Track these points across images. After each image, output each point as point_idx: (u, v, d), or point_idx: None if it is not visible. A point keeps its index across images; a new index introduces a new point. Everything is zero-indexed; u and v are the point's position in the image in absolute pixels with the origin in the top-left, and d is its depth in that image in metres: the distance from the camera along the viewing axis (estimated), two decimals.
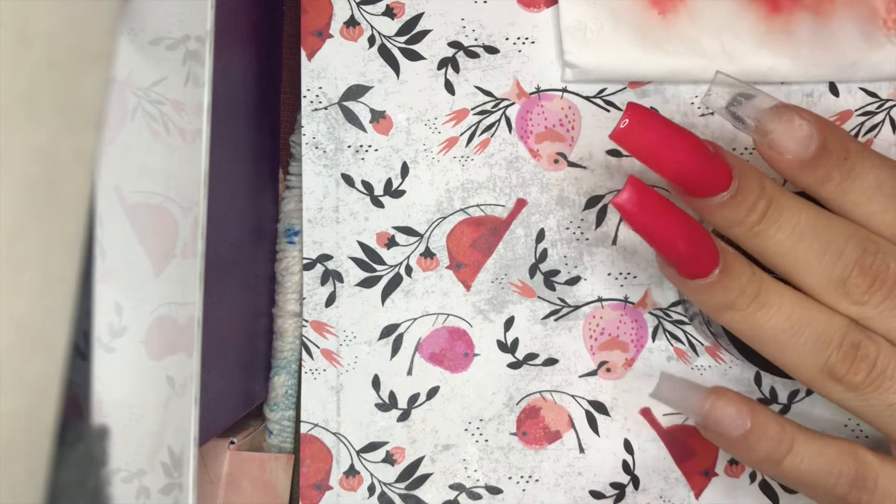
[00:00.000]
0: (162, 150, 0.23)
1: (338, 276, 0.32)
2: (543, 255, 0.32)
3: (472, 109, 0.32)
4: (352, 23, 0.32)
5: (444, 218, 0.32)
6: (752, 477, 0.32)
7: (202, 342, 0.24)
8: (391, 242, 0.32)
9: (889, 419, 0.26)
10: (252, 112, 0.32)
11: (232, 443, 0.31)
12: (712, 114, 0.31)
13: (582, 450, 0.32)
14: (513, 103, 0.32)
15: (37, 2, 0.16)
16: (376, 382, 0.32)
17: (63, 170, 0.17)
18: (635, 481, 0.32)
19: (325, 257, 0.32)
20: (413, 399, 0.32)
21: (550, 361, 0.32)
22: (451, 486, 0.32)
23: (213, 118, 0.27)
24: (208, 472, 0.30)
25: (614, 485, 0.32)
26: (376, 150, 0.32)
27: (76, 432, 0.18)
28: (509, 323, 0.32)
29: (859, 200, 0.26)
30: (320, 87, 0.32)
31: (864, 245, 0.26)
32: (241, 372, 0.31)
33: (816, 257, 0.26)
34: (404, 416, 0.32)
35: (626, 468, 0.32)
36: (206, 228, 0.24)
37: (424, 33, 0.32)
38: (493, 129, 0.32)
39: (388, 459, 0.32)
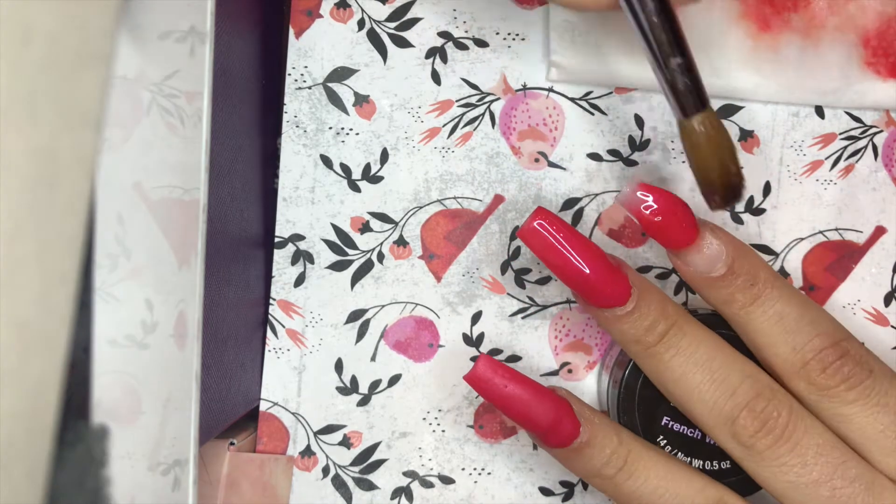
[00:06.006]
0: (179, 143, 0.23)
1: (308, 257, 0.32)
2: (516, 253, 0.32)
3: (457, 101, 0.32)
4: (343, 4, 0.31)
5: (421, 207, 0.32)
6: None
7: (202, 342, 0.24)
8: (365, 228, 0.32)
9: None
10: (259, 98, 0.32)
11: (231, 444, 0.31)
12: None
13: (535, 447, 0.32)
14: (498, 98, 0.32)
15: (37, 2, 0.16)
16: (339, 366, 0.32)
17: (63, 170, 0.17)
18: (584, 482, 0.32)
19: (297, 237, 0.32)
20: (374, 385, 0.32)
21: (514, 358, 0.32)
22: (405, 473, 0.32)
23: (222, 106, 0.27)
24: (208, 473, 0.30)
25: (563, 483, 0.32)
26: (357, 133, 0.32)
27: (76, 432, 0.18)
28: (477, 317, 0.32)
29: (760, 328, 0.26)
30: (305, 67, 0.32)
31: (758, 389, 0.26)
32: (240, 372, 0.31)
33: (709, 389, 0.26)
34: (364, 402, 0.32)
35: None
36: (206, 227, 0.24)
37: (415, 21, 0.31)
38: (477, 122, 0.32)
39: (345, 443, 0.32)
